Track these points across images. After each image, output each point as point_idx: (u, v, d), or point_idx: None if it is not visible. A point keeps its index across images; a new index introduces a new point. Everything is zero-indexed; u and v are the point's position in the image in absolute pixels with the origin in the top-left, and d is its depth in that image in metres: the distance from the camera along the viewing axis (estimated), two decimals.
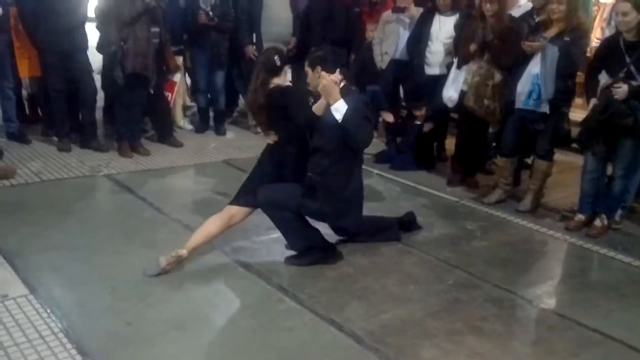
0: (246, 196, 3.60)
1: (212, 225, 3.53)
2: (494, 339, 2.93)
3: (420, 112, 5.61)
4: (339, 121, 3.26)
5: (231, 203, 3.63)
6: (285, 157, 3.59)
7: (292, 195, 3.46)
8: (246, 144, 6.00)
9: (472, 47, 4.77)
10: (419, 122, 5.63)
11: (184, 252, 3.40)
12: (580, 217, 4.35)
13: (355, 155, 3.51)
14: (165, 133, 5.80)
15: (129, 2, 4.99)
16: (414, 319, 3.06)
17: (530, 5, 5.07)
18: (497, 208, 4.70)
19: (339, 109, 3.25)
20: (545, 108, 4.36)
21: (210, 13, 5.81)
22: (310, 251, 3.58)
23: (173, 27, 5.70)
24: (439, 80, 5.28)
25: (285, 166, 3.58)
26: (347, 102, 3.29)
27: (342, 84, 3.43)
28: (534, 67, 4.35)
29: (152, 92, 5.48)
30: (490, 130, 5.24)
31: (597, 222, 4.25)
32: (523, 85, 4.42)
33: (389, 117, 5.72)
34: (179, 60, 5.87)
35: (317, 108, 3.43)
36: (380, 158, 5.74)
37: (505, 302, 3.30)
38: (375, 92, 5.71)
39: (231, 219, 3.57)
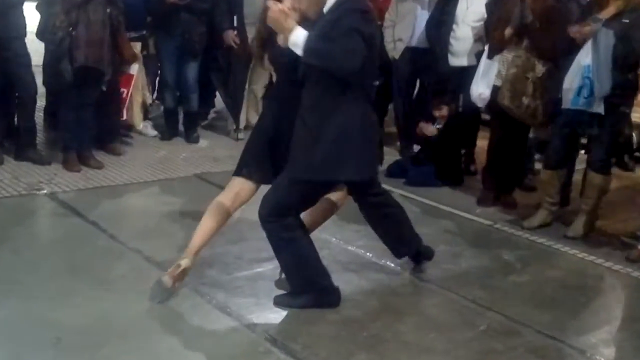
0: (250, 165, 3.66)
1: (211, 216, 3.62)
2: None
3: (441, 112, 5.67)
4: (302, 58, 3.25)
5: (234, 174, 3.70)
6: (284, 102, 3.60)
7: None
8: (223, 154, 6.06)
9: (508, 32, 4.84)
10: (439, 126, 5.69)
11: (185, 261, 3.49)
12: None
13: (342, 83, 3.31)
14: (107, 136, 5.83)
15: None
16: None
17: None
18: (541, 233, 4.74)
19: (297, 42, 3.20)
20: (599, 108, 4.41)
21: None
22: (307, 290, 3.59)
23: (133, 8, 5.76)
24: (466, 73, 5.37)
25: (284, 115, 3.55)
26: (309, 26, 3.26)
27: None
28: (585, 58, 4.41)
29: (104, 89, 5.54)
30: (531, 135, 5.29)
31: None
32: (571, 80, 4.48)
33: (430, 130, 5.74)
34: (137, 47, 5.90)
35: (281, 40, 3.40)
36: (393, 171, 5.79)
37: (552, 352, 3.32)
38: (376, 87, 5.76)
39: (236, 199, 3.64)
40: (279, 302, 3.62)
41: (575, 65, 4.46)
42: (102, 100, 5.56)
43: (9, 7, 5.16)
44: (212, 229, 3.63)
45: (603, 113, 4.42)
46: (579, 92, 4.45)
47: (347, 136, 3.32)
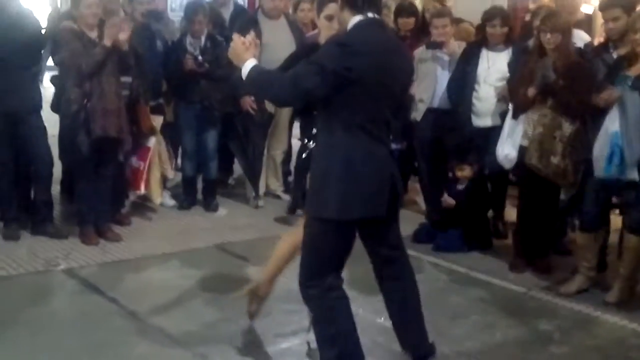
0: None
1: (285, 242, 3.78)
2: None
3: (463, 173, 5.68)
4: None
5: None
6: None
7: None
8: (243, 223, 6.10)
9: (531, 91, 4.88)
10: (461, 186, 5.69)
11: (253, 286, 3.80)
12: None
13: (331, 118, 3.31)
14: (116, 207, 5.87)
15: (86, 49, 5.16)
16: None
17: (587, 38, 5.23)
18: (579, 300, 4.68)
19: (244, 73, 3.33)
20: (633, 174, 4.40)
21: (200, 58, 6.01)
22: None
23: (153, 76, 5.92)
24: (491, 134, 5.40)
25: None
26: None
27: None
28: (612, 124, 4.43)
29: (122, 159, 5.63)
30: (563, 196, 5.27)
31: None
32: (601, 148, 4.48)
33: (451, 202, 5.75)
34: (157, 120, 6.01)
35: None
36: (419, 236, 5.78)
37: None
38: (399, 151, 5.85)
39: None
40: None
41: (603, 132, 4.47)
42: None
43: (23, 82, 5.29)
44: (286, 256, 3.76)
45: (638, 179, 4.41)
46: (610, 160, 4.42)
47: (328, 170, 3.28)
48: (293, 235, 3.81)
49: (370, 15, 3.33)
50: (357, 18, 3.31)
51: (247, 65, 3.31)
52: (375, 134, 3.32)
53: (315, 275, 3.39)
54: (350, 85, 3.17)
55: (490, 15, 5.66)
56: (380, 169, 3.34)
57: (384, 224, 3.50)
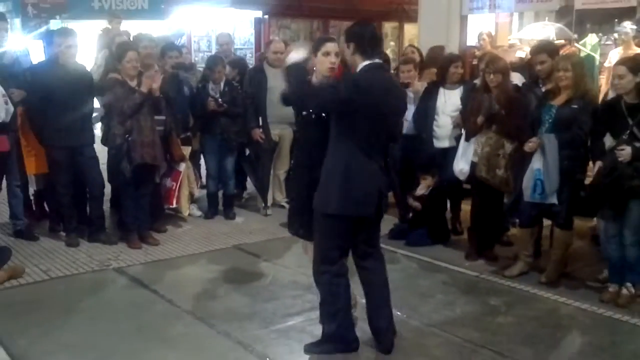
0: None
1: None
2: None
3: (426, 181, 5.75)
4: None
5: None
6: None
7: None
8: (256, 227, 6.12)
9: (480, 120, 4.96)
10: (422, 191, 5.75)
11: None
12: (615, 287, 4.37)
13: (336, 131, 3.40)
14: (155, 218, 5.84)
15: (127, 94, 5.23)
16: None
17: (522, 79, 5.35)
18: (520, 281, 4.72)
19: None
20: (553, 199, 4.49)
21: (220, 100, 6.10)
22: (334, 340, 3.58)
23: (181, 115, 5.99)
24: (449, 153, 5.47)
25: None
26: None
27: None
28: (536, 163, 4.51)
29: (158, 181, 5.68)
30: (505, 200, 5.34)
31: (624, 291, 4.27)
32: (527, 180, 4.57)
33: (416, 204, 5.79)
34: (186, 150, 6.08)
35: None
36: (394, 234, 5.82)
37: None
38: None
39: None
40: (308, 349, 3.62)
41: (529, 169, 4.54)
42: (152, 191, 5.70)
43: (80, 122, 5.35)
44: None
45: (557, 202, 4.48)
46: (534, 190, 4.53)
47: (331, 176, 3.37)
48: None
49: (376, 60, 3.42)
50: (366, 62, 3.40)
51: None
52: (370, 152, 3.39)
53: (326, 263, 3.45)
54: (354, 112, 3.28)
55: (453, 58, 5.77)
56: (371, 179, 3.40)
57: (372, 225, 3.54)
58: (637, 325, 3.99)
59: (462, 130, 5.31)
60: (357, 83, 3.32)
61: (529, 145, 4.50)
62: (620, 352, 3.69)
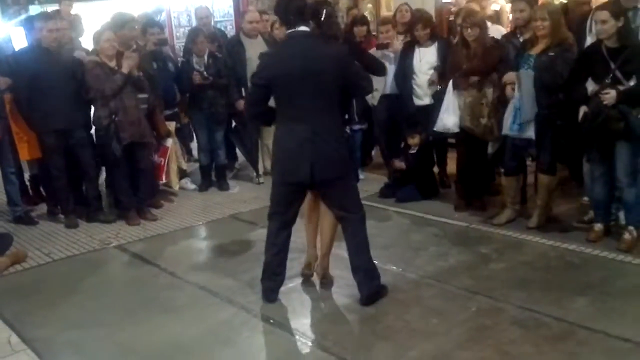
0: None
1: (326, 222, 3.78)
2: None
3: (414, 140, 5.70)
4: None
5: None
6: None
7: None
8: (251, 196, 6.07)
9: (460, 74, 4.89)
10: (413, 151, 5.71)
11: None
12: (600, 226, 4.37)
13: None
14: (148, 201, 5.70)
15: (107, 76, 5.10)
16: (442, 352, 3.07)
17: (502, 30, 5.25)
18: (509, 228, 4.73)
19: None
20: (530, 133, 4.47)
21: (205, 73, 5.97)
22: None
23: (165, 92, 5.85)
24: (429, 110, 5.41)
25: None
26: None
27: None
28: (514, 97, 4.51)
29: (154, 157, 5.60)
30: (490, 150, 5.30)
31: (627, 235, 4.21)
32: (508, 113, 4.59)
33: (399, 165, 5.75)
34: (171, 125, 5.97)
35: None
36: (384, 193, 5.80)
37: (531, 322, 3.31)
38: (356, 132, 5.88)
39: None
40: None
41: (509, 105, 4.56)
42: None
43: (69, 105, 5.21)
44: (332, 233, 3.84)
45: (533, 137, 4.46)
46: (513, 120, 4.52)
47: (273, 145, 3.60)
48: (327, 214, 3.76)
49: (301, 28, 3.37)
50: (288, 32, 3.42)
51: None
52: (297, 116, 3.38)
53: (273, 214, 3.64)
54: (268, 86, 3.40)
55: (415, 20, 5.63)
56: (299, 145, 3.38)
57: (330, 189, 3.51)
58: (624, 262, 4.02)
59: (438, 86, 5.25)
60: (260, 61, 3.50)
61: (506, 77, 4.51)
62: (609, 288, 3.71)
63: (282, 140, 3.49)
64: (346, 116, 3.62)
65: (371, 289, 3.62)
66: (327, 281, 3.89)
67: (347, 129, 3.64)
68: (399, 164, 5.76)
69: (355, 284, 3.66)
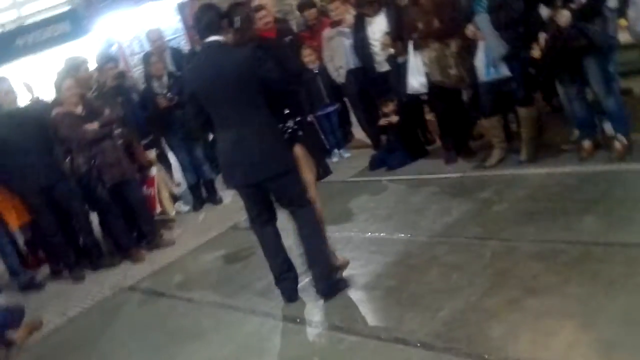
0: None
1: None
2: (551, 292, 2.93)
3: (388, 108, 5.67)
4: None
5: None
6: None
7: None
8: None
9: (416, 34, 4.85)
10: (393, 118, 5.68)
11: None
12: (588, 142, 4.36)
13: None
14: (152, 239, 5.55)
15: (78, 123, 5.02)
16: (471, 305, 3.05)
17: None
18: (502, 167, 4.72)
19: None
20: (505, 71, 4.45)
21: (168, 94, 5.88)
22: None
23: (136, 122, 5.78)
24: (391, 74, 5.39)
25: None
26: None
27: None
28: (480, 44, 4.50)
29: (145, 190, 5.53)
30: (465, 98, 5.28)
31: (617, 145, 4.19)
32: (479, 62, 4.56)
33: (391, 120, 5.69)
34: (152, 153, 5.90)
35: None
36: (374, 164, 5.76)
37: (547, 252, 3.31)
38: (330, 113, 5.80)
39: None
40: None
41: (477, 52, 4.56)
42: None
43: (43, 161, 5.13)
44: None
45: (511, 74, 4.44)
46: (487, 67, 4.51)
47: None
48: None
49: (211, 39, 3.42)
50: (201, 45, 3.55)
51: None
52: (224, 123, 3.45)
53: (250, 221, 3.72)
54: (195, 100, 3.46)
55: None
56: (230, 150, 3.45)
57: (273, 187, 3.50)
58: (621, 171, 4.02)
59: (392, 50, 5.23)
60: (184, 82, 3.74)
61: (468, 30, 4.48)
62: (612, 199, 3.71)
63: (219, 148, 3.58)
64: (286, 111, 3.56)
65: (328, 283, 3.59)
66: (338, 265, 3.83)
67: (292, 123, 3.57)
68: (386, 120, 5.68)
69: (368, 260, 3.64)
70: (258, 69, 3.36)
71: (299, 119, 3.64)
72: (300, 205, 3.54)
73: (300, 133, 3.60)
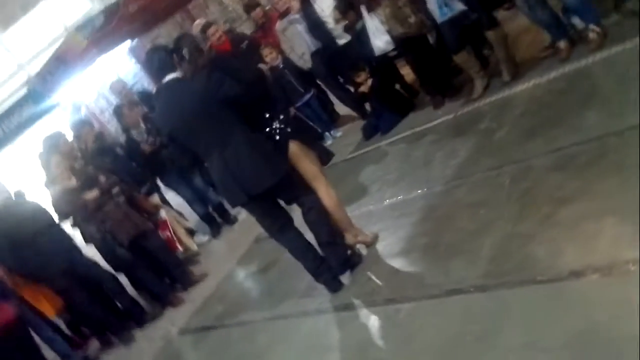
0: None
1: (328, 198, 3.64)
2: (580, 196, 2.90)
3: (361, 78, 5.63)
4: None
5: None
6: None
7: None
8: None
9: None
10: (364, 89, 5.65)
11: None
12: (563, 42, 4.32)
13: None
14: (185, 279, 5.57)
15: (77, 195, 5.02)
16: (508, 235, 3.02)
17: None
18: (489, 94, 4.69)
19: None
20: (459, 6, 4.43)
21: (149, 139, 5.86)
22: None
23: (130, 174, 5.77)
24: (352, 43, 5.34)
25: None
26: None
27: None
28: None
29: (164, 235, 5.54)
30: (431, 41, 5.23)
31: (592, 35, 4.13)
32: (431, 3, 4.55)
33: (368, 83, 5.63)
34: (155, 198, 5.89)
35: None
36: (367, 133, 5.73)
37: (562, 160, 3.27)
38: (309, 101, 5.80)
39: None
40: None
41: None
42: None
43: (57, 246, 5.10)
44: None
45: (466, 7, 4.38)
46: (440, 7, 4.48)
47: None
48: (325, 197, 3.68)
49: (167, 78, 3.43)
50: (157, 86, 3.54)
51: None
52: (207, 152, 3.47)
53: (269, 233, 3.73)
54: (172, 140, 3.55)
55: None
56: (222, 175, 3.47)
57: (277, 192, 3.53)
58: (603, 59, 3.96)
59: (347, 21, 5.23)
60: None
61: None
62: (607, 88, 3.71)
63: (213, 176, 3.63)
64: (267, 115, 3.54)
65: (341, 259, 3.63)
66: (370, 242, 3.82)
67: (277, 123, 3.56)
68: (364, 87, 5.62)
69: (395, 227, 3.63)
70: (217, 92, 3.35)
71: (282, 117, 3.61)
72: (306, 194, 3.59)
73: (289, 130, 3.56)
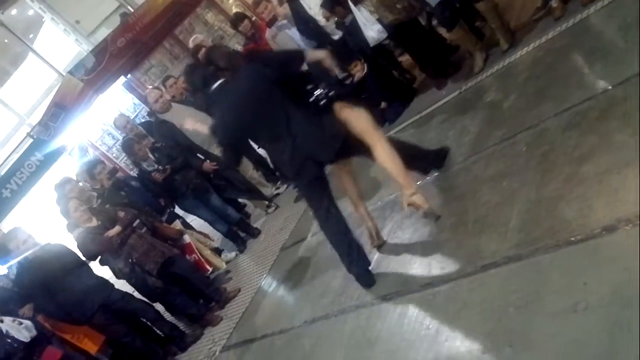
0: None
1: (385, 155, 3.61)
2: (599, 150, 2.89)
3: (357, 68, 5.62)
4: None
5: None
6: None
7: None
8: (280, 222, 6.03)
9: None
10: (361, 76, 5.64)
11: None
12: (555, 0, 4.30)
13: None
14: (219, 297, 5.60)
15: (100, 233, 5.07)
16: (534, 201, 3.01)
17: None
18: (490, 65, 4.69)
19: None
20: None
21: (160, 167, 5.91)
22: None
23: (149, 205, 5.82)
24: (345, 39, 5.34)
25: None
26: None
27: None
28: None
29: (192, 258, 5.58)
30: (423, 22, 5.24)
31: None
32: None
33: (360, 71, 5.60)
34: (177, 224, 5.94)
35: None
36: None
37: (575, 119, 3.26)
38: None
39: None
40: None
41: None
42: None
43: (86, 286, 5.12)
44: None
45: None
46: None
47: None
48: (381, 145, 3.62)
49: (214, 87, 3.58)
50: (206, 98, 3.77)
51: None
52: (273, 133, 3.54)
53: (313, 212, 3.81)
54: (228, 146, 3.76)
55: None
56: (293, 147, 3.52)
57: (344, 150, 3.59)
58: (601, 9, 3.93)
59: (335, 18, 5.24)
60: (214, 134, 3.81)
61: None
62: (607, 39, 3.68)
63: (279, 160, 3.68)
64: (309, 86, 3.60)
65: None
66: (424, 207, 3.62)
67: (321, 90, 3.59)
68: (359, 73, 5.61)
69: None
70: (263, 78, 3.49)
71: (322, 85, 3.66)
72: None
73: (332, 93, 3.61)
